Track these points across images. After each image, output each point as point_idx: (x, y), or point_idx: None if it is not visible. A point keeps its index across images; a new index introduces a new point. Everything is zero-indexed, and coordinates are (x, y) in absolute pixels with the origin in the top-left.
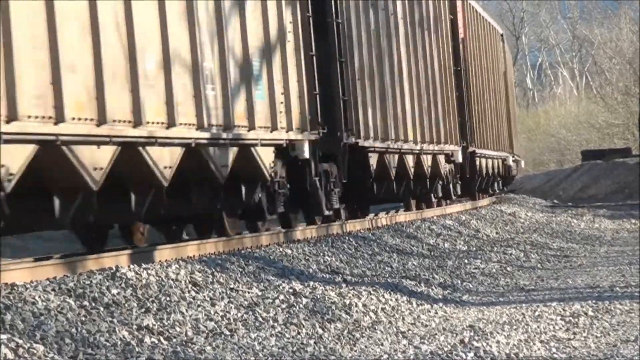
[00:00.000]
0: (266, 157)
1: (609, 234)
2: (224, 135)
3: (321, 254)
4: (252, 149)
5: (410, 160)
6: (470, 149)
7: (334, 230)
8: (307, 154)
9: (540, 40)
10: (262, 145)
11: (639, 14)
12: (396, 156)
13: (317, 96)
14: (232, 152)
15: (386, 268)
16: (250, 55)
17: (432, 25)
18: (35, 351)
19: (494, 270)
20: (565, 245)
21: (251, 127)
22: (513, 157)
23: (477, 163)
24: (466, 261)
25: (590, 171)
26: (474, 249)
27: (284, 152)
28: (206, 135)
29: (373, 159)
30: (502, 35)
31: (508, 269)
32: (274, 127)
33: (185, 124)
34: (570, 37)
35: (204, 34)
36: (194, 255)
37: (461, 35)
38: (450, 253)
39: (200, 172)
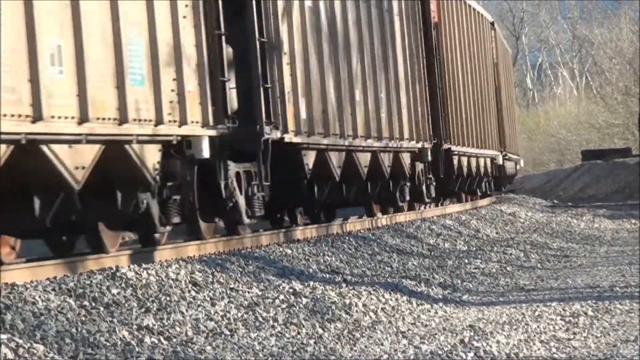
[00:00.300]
0: (149, 157)
1: (608, 234)
2: (77, 130)
3: (321, 254)
4: (126, 147)
5: (362, 159)
6: (445, 146)
7: (334, 230)
8: (206, 153)
9: (540, 41)
10: (140, 142)
11: (639, 14)
12: (342, 154)
13: (226, 83)
14: (94, 150)
15: (386, 268)
16: (123, 30)
17: (396, 7)
18: (35, 351)
19: (494, 270)
20: (565, 245)
21: (123, 120)
22: (505, 155)
23: (455, 162)
24: (466, 261)
25: (590, 171)
26: (474, 248)
27: (181, 151)
28: (46, 129)
29: (309, 158)
30: (492, 23)
31: (508, 268)
32: (159, 121)
33: (14, 116)
34: (570, 37)
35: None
36: (194, 255)
37: (434, 20)
38: (450, 253)
39: (43, 176)
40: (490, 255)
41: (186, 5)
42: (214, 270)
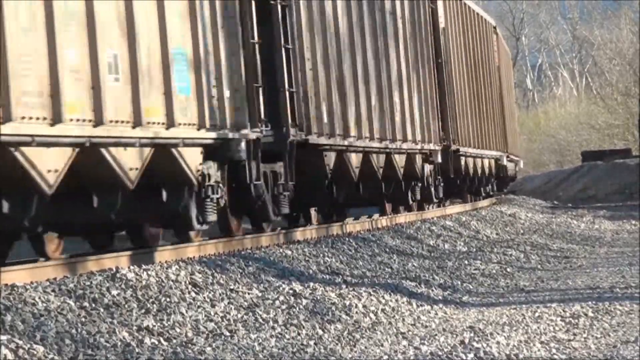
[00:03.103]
0: (192, 158)
1: (609, 235)
2: (131, 134)
3: (321, 255)
4: (172, 149)
5: (378, 160)
6: (454, 148)
7: (334, 231)
8: (243, 155)
9: (540, 41)
10: (185, 145)
11: (639, 15)
12: (359, 155)
13: (260, 89)
14: (145, 152)
15: (386, 269)
16: (170, 41)
17: (408, 14)
18: (35, 352)
19: (494, 271)
20: (565, 246)
21: (170, 124)
22: (508, 156)
23: (463, 163)
24: (466, 262)
25: (590, 172)
26: (474, 249)
27: (218, 153)
28: (105, 133)
29: (329, 158)
30: (494, 28)
31: (508, 270)
32: (201, 125)
33: (77, 120)
34: (570, 38)
35: (104, 12)
36: (194, 256)
37: (442, 25)
38: (450, 254)
39: (101, 176)
40: (490, 257)
41: (224, 16)
42: (214, 271)
